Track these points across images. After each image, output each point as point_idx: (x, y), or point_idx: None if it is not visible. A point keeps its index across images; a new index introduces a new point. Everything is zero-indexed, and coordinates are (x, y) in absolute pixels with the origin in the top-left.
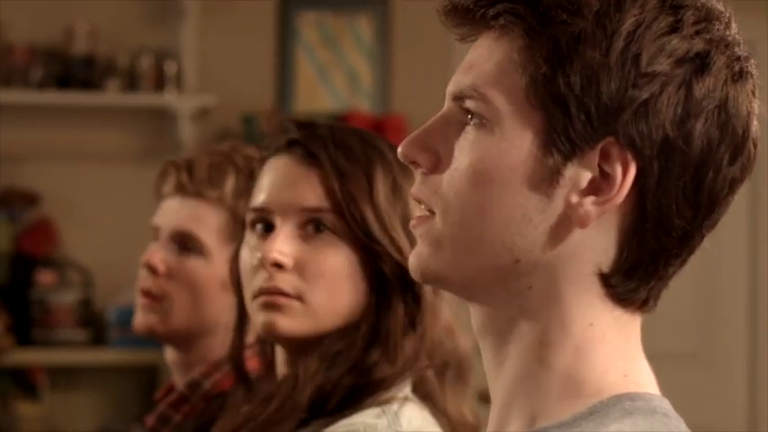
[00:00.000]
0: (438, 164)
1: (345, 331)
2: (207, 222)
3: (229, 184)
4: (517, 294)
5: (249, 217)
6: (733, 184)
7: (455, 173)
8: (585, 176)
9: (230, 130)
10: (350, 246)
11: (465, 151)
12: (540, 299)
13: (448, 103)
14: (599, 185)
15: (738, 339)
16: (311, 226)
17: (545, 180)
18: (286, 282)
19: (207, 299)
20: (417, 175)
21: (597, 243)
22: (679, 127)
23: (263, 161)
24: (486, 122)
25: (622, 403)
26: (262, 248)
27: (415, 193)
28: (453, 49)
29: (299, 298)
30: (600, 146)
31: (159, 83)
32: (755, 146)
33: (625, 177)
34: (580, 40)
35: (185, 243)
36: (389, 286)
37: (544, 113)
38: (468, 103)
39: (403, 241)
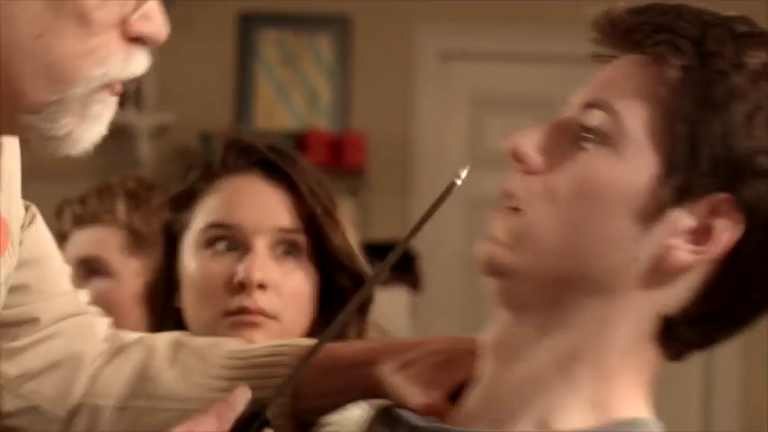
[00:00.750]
0: (544, 166)
1: None
2: (107, 243)
3: (121, 204)
4: (564, 309)
5: (207, 234)
6: None
7: (563, 180)
8: (687, 222)
9: (188, 147)
10: (315, 266)
11: (580, 163)
12: (588, 319)
13: (571, 112)
14: (698, 236)
15: (693, 357)
16: (282, 247)
17: (650, 213)
18: (267, 302)
19: (122, 316)
20: (515, 170)
21: (672, 288)
22: None
23: (210, 179)
24: (607, 141)
25: (632, 425)
26: (238, 268)
27: (510, 187)
28: (412, 68)
29: (276, 318)
30: (713, 197)
31: (118, 101)
32: None
33: (729, 235)
34: (732, 93)
35: (91, 267)
36: (344, 303)
37: (672, 149)
38: (597, 117)
39: (360, 260)
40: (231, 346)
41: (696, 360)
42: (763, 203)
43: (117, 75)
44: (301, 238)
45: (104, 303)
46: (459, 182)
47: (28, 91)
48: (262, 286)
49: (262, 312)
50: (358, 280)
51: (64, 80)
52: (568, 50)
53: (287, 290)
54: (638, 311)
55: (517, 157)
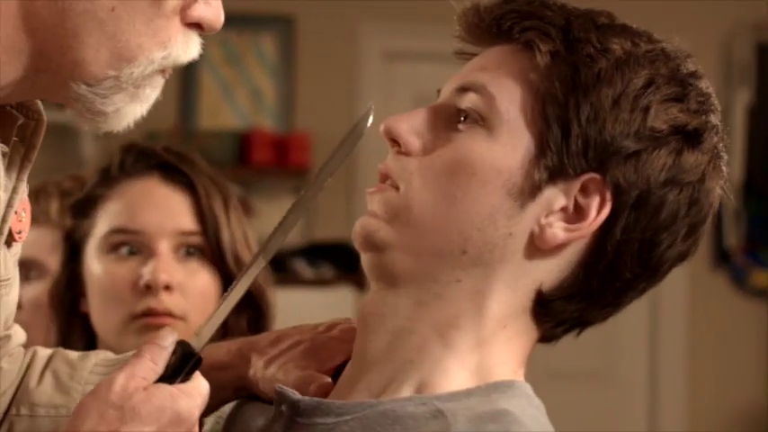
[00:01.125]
0: (418, 148)
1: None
2: (41, 244)
3: (54, 204)
4: (440, 282)
5: (110, 239)
6: (679, 259)
7: (437, 159)
8: (560, 201)
9: None
10: (214, 266)
11: (456, 143)
12: (464, 293)
13: (444, 97)
14: (571, 214)
15: (639, 358)
16: (183, 249)
17: (524, 191)
18: (173, 303)
19: None
20: (390, 152)
21: (546, 263)
22: (660, 187)
23: (109, 184)
24: (481, 123)
25: (510, 387)
26: (143, 270)
27: (385, 167)
28: (356, 68)
29: (183, 318)
30: (584, 178)
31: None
32: (703, 234)
33: (599, 214)
34: (599, 78)
35: (27, 269)
36: (239, 303)
37: (544, 130)
38: (471, 99)
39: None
40: (102, 355)
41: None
42: (629, 184)
43: (175, 59)
44: (200, 240)
45: (40, 305)
46: (369, 122)
47: (89, 61)
48: (168, 288)
49: (169, 313)
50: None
51: (125, 57)
52: None
53: (192, 290)
54: (514, 285)
55: (393, 139)
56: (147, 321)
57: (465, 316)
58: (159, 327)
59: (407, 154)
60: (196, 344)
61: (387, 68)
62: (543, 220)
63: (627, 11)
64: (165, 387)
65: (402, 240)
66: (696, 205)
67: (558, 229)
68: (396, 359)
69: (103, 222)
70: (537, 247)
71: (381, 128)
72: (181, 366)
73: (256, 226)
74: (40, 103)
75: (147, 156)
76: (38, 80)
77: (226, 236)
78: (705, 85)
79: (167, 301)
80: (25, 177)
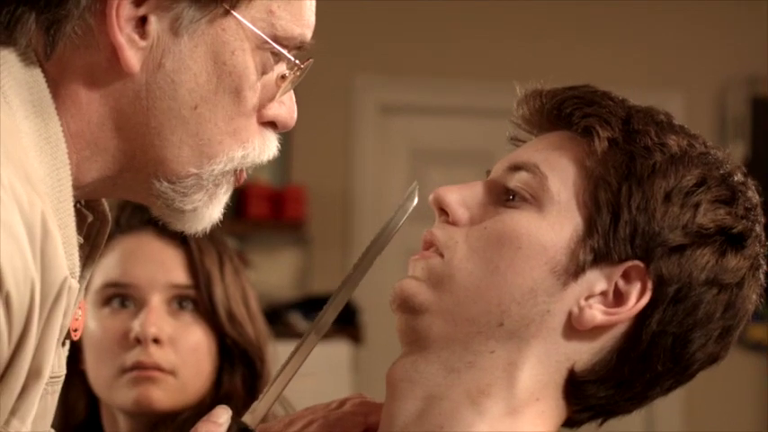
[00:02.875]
0: (466, 219)
1: (199, 401)
2: None
3: None
4: (474, 353)
5: (103, 293)
6: (709, 361)
7: (484, 230)
8: (601, 285)
9: None
10: (207, 322)
11: (502, 215)
12: (497, 363)
13: (496, 174)
14: (611, 299)
15: (634, 415)
16: (176, 302)
17: (568, 271)
18: (163, 357)
19: None
20: (437, 221)
21: (581, 344)
22: (700, 285)
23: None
24: (531, 202)
25: None
26: (133, 323)
27: (430, 234)
28: (352, 121)
29: (173, 373)
30: (628, 264)
31: None
32: (735, 339)
33: (638, 302)
34: (654, 170)
35: None
36: (233, 359)
37: (594, 213)
38: (522, 178)
39: (244, 319)
40: None
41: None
42: (671, 276)
43: (254, 159)
44: (193, 294)
45: None
46: (415, 201)
47: (171, 159)
48: (157, 341)
49: (158, 367)
50: (239, 341)
51: (206, 154)
52: (506, 105)
53: (184, 344)
54: (547, 361)
55: (441, 208)
56: (135, 375)
57: (497, 385)
58: (148, 380)
59: (454, 224)
60: (250, 421)
61: (382, 122)
62: (583, 302)
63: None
64: None
65: (441, 306)
66: (732, 309)
67: (596, 312)
68: (426, 425)
69: (98, 277)
70: (573, 327)
71: (431, 197)
72: None
73: (253, 279)
74: (105, 203)
75: (141, 211)
76: (120, 179)
77: (218, 291)
78: (753, 195)
79: (157, 354)
80: (87, 276)
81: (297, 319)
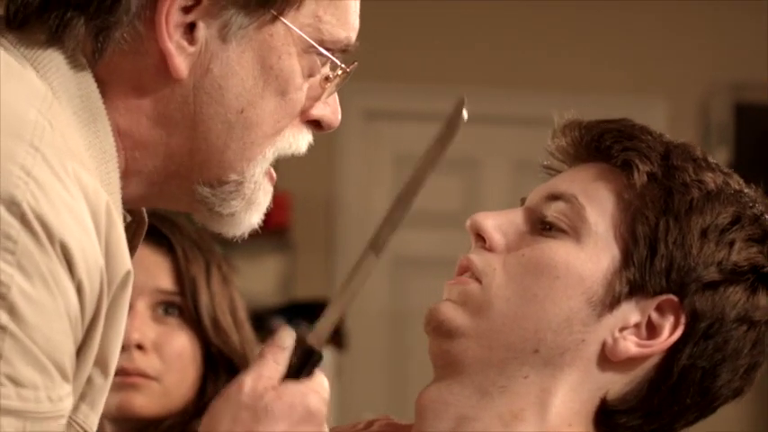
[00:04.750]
0: (502, 245)
1: (183, 408)
2: None
3: None
4: (508, 378)
5: None
6: (734, 395)
7: (522, 258)
8: (635, 317)
9: None
10: (192, 329)
11: (540, 244)
12: (530, 389)
13: (532, 203)
14: (642, 331)
15: None
16: (161, 308)
17: (603, 302)
18: (146, 363)
19: None
20: (473, 246)
21: (614, 375)
22: (732, 321)
23: None
24: (569, 232)
25: None
26: None
27: (466, 260)
28: (336, 129)
29: (156, 378)
30: (662, 298)
31: None
32: (758, 375)
33: (671, 335)
34: (691, 206)
35: None
36: (217, 367)
37: (631, 246)
38: (559, 208)
39: (230, 328)
40: None
41: None
42: (704, 312)
43: (282, 151)
44: (179, 300)
45: None
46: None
47: (215, 163)
48: (140, 347)
49: (141, 373)
50: (224, 349)
51: (247, 157)
52: (491, 111)
53: (168, 350)
54: (580, 389)
55: (478, 234)
56: (118, 381)
57: (530, 410)
58: (131, 386)
59: (491, 250)
60: (315, 342)
61: (367, 127)
62: (617, 333)
63: (608, 72)
64: (292, 385)
65: (477, 331)
66: (759, 345)
67: (630, 344)
68: None
69: None
70: (607, 357)
71: (468, 223)
72: (302, 364)
73: (236, 284)
74: None
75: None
76: (166, 186)
77: (204, 298)
78: None
79: (140, 360)
80: None
81: (280, 325)
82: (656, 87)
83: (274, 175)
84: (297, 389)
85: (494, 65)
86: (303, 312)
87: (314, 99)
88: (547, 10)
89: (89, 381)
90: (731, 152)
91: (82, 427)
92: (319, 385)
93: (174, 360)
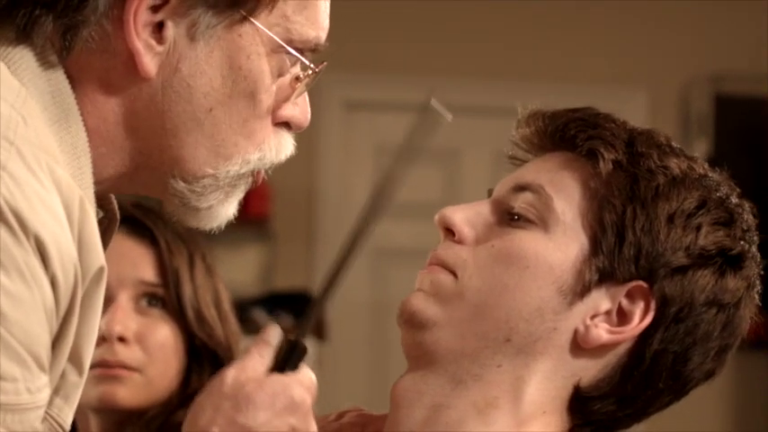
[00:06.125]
0: (471, 238)
1: (167, 400)
2: None
3: None
4: (481, 366)
5: None
6: (705, 377)
7: (491, 249)
8: (606, 304)
9: None
10: (176, 321)
11: (510, 235)
12: (503, 377)
13: (500, 194)
14: (613, 318)
15: None
16: (144, 300)
17: (574, 290)
18: (128, 355)
19: None
20: (443, 240)
21: (586, 361)
22: (701, 305)
23: None
24: (536, 222)
25: None
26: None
27: (438, 254)
28: (317, 118)
29: (139, 370)
30: (632, 284)
31: None
32: (729, 357)
33: (641, 321)
34: (657, 192)
35: None
36: (201, 358)
37: (599, 234)
38: (527, 198)
39: (214, 320)
40: None
41: None
42: (674, 297)
43: (270, 160)
44: (161, 292)
45: None
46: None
47: (188, 159)
48: (122, 339)
49: (123, 365)
50: (208, 341)
51: (222, 155)
52: (472, 102)
53: (151, 342)
54: (553, 376)
55: (447, 228)
56: (99, 373)
57: (504, 398)
58: (113, 378)
59: (460, 242)
60: (299, 335)
61: (347, 118)
62: (588, 321)
63: (588, 63)
64: (275, 376)
65: (449, 321)
66: (729, 328)
67: (601, 331)
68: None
69: None
70: (579, 344)
71: (436, 217)
72: (287, 357)
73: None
74: (115, 202)
75: None
76: (137, 175)
77: (187, 291)
78: (749, 218)
79: (122, 352)
80: None
81: (260, 316)
82: (637, 79)
83: (263, 175)
84: (280, 380)
85: (474, 56)
86: (283, 303)
87: (283, 99)
88: (527, 1)
89: (63, 376)
90: (711, 143)
91: (56, 421)
92: (305, 377)
93: (156, 351)
